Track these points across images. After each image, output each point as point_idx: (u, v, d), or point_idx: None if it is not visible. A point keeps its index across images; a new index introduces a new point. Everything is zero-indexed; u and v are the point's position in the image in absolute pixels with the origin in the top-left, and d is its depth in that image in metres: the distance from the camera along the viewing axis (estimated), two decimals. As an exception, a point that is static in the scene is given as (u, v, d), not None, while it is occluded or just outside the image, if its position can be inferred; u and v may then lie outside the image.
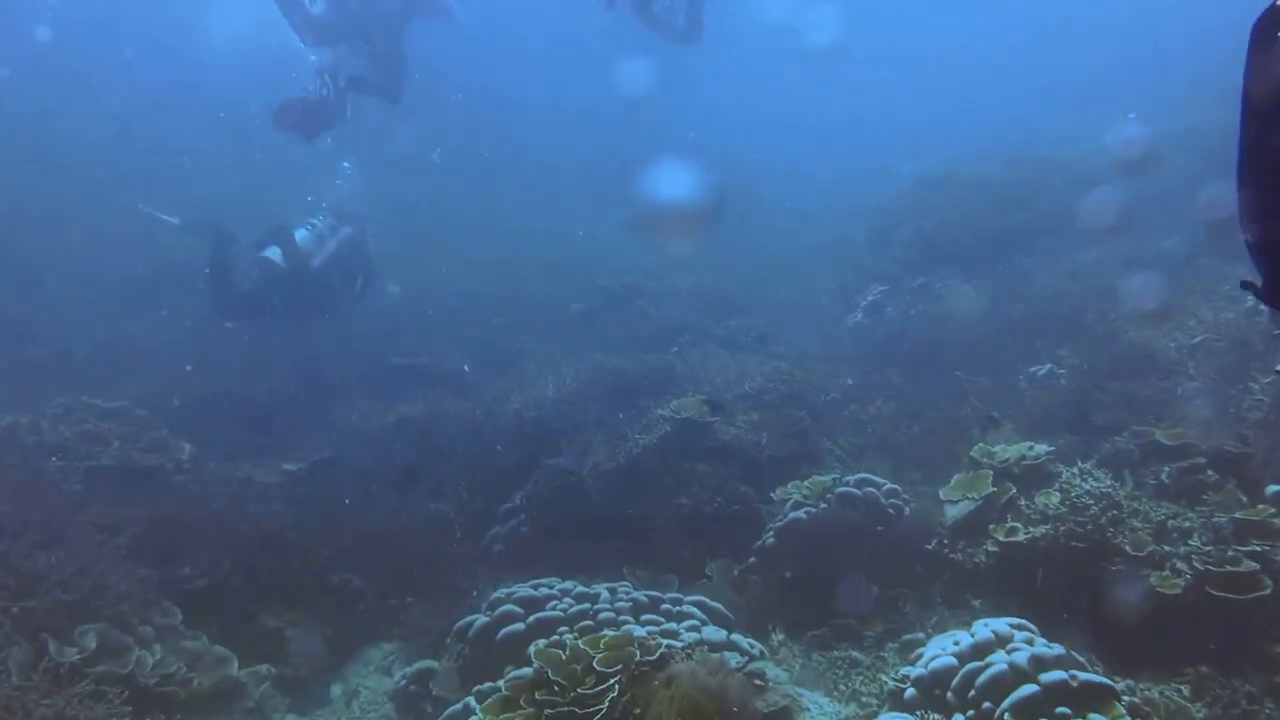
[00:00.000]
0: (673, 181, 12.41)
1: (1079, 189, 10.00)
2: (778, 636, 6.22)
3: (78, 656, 5.60)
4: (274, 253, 9.70)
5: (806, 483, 7.21)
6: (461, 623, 6.11)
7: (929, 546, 6.16)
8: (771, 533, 6.92)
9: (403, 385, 10.76)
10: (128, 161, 18.43)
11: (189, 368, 10.79)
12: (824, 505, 6.92)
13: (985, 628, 4.64)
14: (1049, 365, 8.40)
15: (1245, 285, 2.18)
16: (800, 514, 6.88)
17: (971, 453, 6.47)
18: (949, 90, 25.90)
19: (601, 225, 16.89)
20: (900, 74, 28.53)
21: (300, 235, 9.89)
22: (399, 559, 7.67)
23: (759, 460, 8.19)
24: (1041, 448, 6.34)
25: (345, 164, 11.81)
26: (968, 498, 6.01)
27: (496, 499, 8.37)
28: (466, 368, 11.46)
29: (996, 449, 6.32)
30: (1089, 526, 5.45)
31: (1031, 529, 5.59)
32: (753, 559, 6.97)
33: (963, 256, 10.63)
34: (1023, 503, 5.91)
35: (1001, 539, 5.67)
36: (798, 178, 18.49)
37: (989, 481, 6.07)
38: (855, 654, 5.81)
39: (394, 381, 10.88)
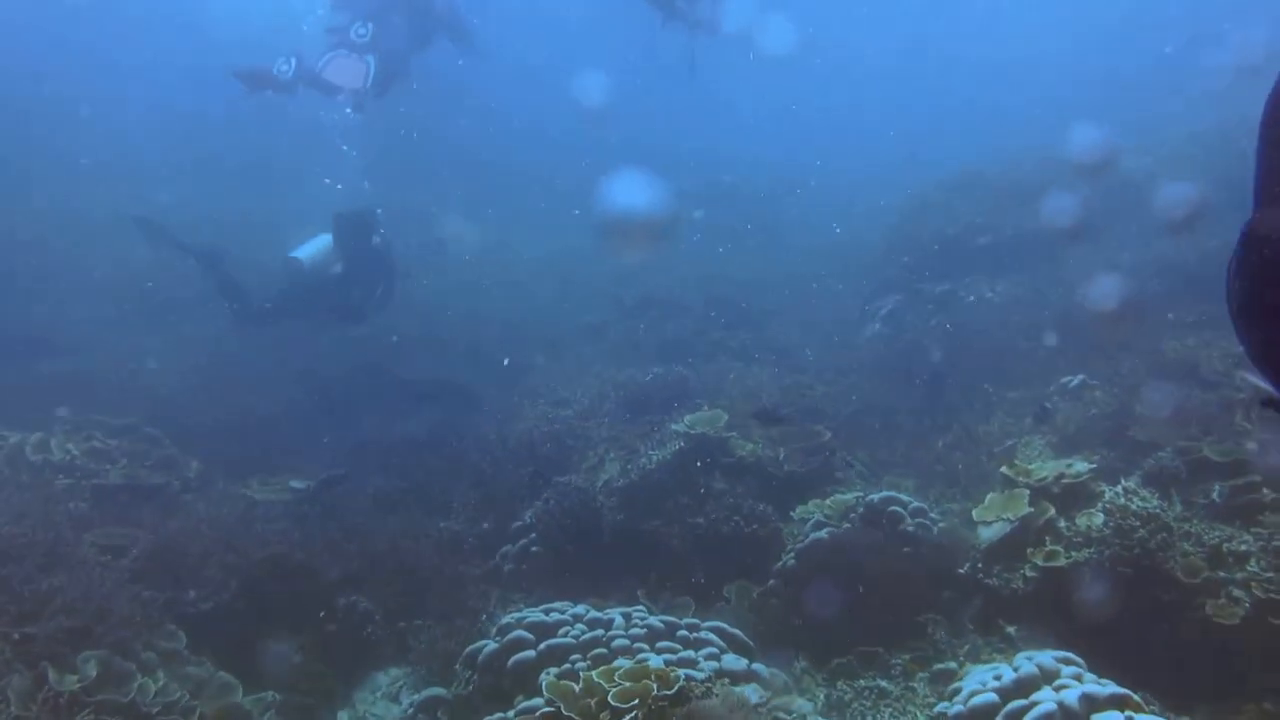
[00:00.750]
0: (637, 190, 12.33)
1: (1109, 193, 9.69)
2: (800, 664, 6.00)
3: (78, 685, 5.44)
4: (302, 253, 9.74)
5: (828, 501, 6.98)
6: (470, 649, 5.91)
7: (961, 570, 5.89)
8: (792, 554, 6.68)
9: (412, 400, 10.56)
10: (148, 172, 18.47)
11: (200, 384, 10.72)
12: (847, 525, 6.68)
13: (1029, 661, 4.38)
14: (1081, 376, 8.10)
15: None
16: (822, 534, 6.64)
17: (1005, 470, 6.19)
18: (976, 93, 25.48)
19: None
20: (925, 73, 28.12)
21: (324, 241, 9.89)
22: (408, 579, 7.48)
23: (777, 477, 7.95)
24: (1081, 465, 6.04)
25: (345, 146, 11.71)
26: (1003, 519, 5.74)
27: (507, 517, 8.17)
28: (506, 361, 11.41)
29: (1032, 466, 6.05)
30: (1136, 550, 5.16)
31: (1073, 553, 5.32)
32: (772, 581, 6.73)
33: (986, 263, 10.35)
34: (1063, 524, 5.63)
35: (1041, 563, 5.41)
36: (812, 184, 18.17)
37: (1025, 501, 5.79)
38: (883, 684, 5.57)
39: (404, 396, 10.68)
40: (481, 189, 18.80)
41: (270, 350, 11.66)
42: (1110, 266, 8.97)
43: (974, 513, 6.04)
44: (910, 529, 6.55)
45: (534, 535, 7.74)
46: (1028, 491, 5.87)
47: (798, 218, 16.39)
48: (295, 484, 8.68)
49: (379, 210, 10.37)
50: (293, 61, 9.96)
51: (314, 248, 9.80)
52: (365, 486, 8.72)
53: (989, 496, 6.08)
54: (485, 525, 8.16)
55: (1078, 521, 5.58)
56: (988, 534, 5.82)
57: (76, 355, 11.10)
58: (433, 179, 18.15)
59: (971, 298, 10.01)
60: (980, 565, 5.82)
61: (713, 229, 16.68)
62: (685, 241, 16.15)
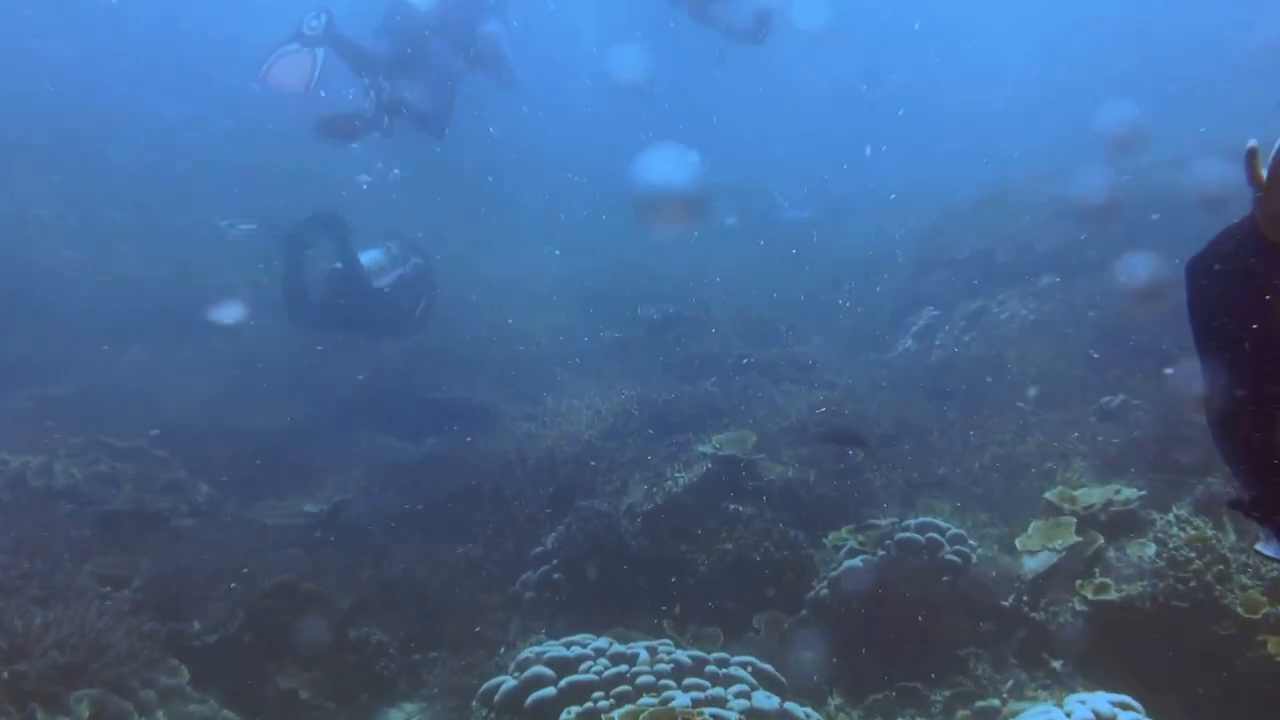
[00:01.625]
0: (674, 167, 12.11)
1: (1155, 205, 9.28)
2: (835, 701, 5.65)
3: (71, 727, 5.18)
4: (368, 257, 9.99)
5: (862, 527, 6.62)
6: (488, 685, 5.59)
7: (1005, 603, 5.53)
8: (825, 583, 6.34)
9: (431, 419, 10.31)
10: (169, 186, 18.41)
11: (214, 402, 10.51)
12: (882, 553, 6.33)
13: (1083, 706, 4.02)
14: (1122, 396, 7.71)
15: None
16: (856, 562, 6.30)
17: (1049, 496, 5.82)
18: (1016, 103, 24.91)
19: (635, 249, 16.44)
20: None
21: (374, 255, 10.07)
22: (423, 608, 7.20)
23: (807, 501, 7.61)
24: (1130, 491, 5.68)
25: (363, 177, 11.52)
26: (1049, 548, 5.38)
27: (527, 542, 7.87)
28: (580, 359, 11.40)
29: (1078, 492, 5.68)
30: (1192, 583, 4.80)
31: (1125, 585, 4.95)
32: (804, 612, 6.40)
33: (1020, 278, 9.97)
34: (1112, 555, 5.27)
35: (1091, 596, 5.04)
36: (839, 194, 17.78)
37: (1073, 530, 5.43)
38: (924, 724, 5.22)
39: (422, 415, 10.44)
40: (503, 205, 18.61)
41: (287, 368, 11.46)
42: (1152, 278, 8.56)
43: (1017, 541, 5.68)
44: (949, 557, 6.19)
45: (555, 561, 7.43)
46: (1075, 520, 5.50)
47: (829, 230, 16.03)
48: (308, 507, 8.44)
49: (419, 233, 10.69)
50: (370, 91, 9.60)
51: (365, 258, 9.96)
52: (381, 509, 8.45)
53: (1033, 524, 5.72)
54: (505, 550, 7.85)
55: (1129, 552, 5.22)
56: (1033, 564, 5.45)
57: (85, 375, 10.91)
58: (455, 197, 17.96)
59: (1005, 314, 9.64)
60: (1026, 597, 5.45)
61: (742, 238, 16.42)
62: (713, 252, 15.87)
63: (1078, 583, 5.22)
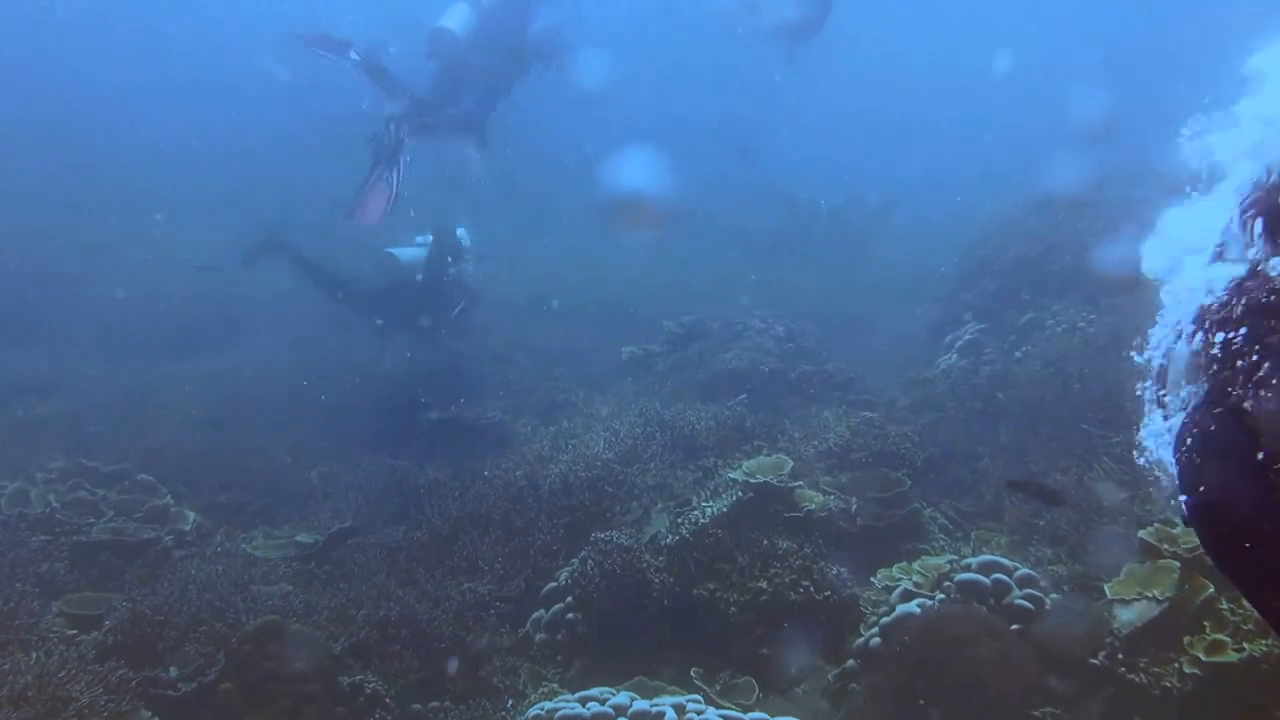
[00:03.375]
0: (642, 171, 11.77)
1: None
2: (892, 771, 4.88)
3: (19, 794, 4.51)
4: (402, 252, 10.62)
5: (916, 565, 5.88)
6: (493, 751, 4.89)
7: (1095, 660, 4.76)
8: (876, 630, 5.59)
9: (438, 440, 9.63)
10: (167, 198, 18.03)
11: (208, 422, 9.91)
12: (941, 596, 5.58)
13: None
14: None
15: None
16: (912, 607, 5.55)
17: (1143, 535, 5.03)
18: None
19: (658, 262, 15.81)
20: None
21: (409, 253, 10.65)
22: (425, 652, 6.49)
23: (850, 533, 6.87)
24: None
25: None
26: (1147, 596, 4.60)
27: (540, 577, 7.16)
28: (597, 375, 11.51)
29: (1177, 530, 4.89)
30: (1331, 643, 4.04)
31: (1246, 644, 4.18)
32: (852, 662, 5.64)
33: (1076, 288, 9.18)
34: (1225, 606, 4.48)
35: (1204, 657, 4.26)
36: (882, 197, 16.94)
37: (1176, 576, 4.65)
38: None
39: (428, 436, 9.76)
40: (522, 216, 18.01)
41: (287, 386, 10.86)
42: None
43: (1107, 588, 4.90)
44: (1019, 602, 5.44)
45: (570, 600, 6.71)
46: (1178, 563, 4.72)
47: (866, 236, 15.26)
48: (301, 538, 7.77)
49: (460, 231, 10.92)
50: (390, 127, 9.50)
51: (407, 253, 10.62)
52: (380, 539, 7.76)
53: (1126, 568, 4.93)
54: (514, 586, 7.14)
55: (1245, 603, 4.43)
56: (1128, 616, 4.67)
57: (73, 395, 10.32)
58: (474, 205, 17.43)
59: (1061, 327, 8.85)
60: (1121, 655, 4.66)
61: (776, 246, 15.74)
62: (740, 263, 15.23)
63: (1186, 639, 4.45)
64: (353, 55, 9.16)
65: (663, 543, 6.81)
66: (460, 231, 10.83)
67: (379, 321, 10.61)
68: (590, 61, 11.09)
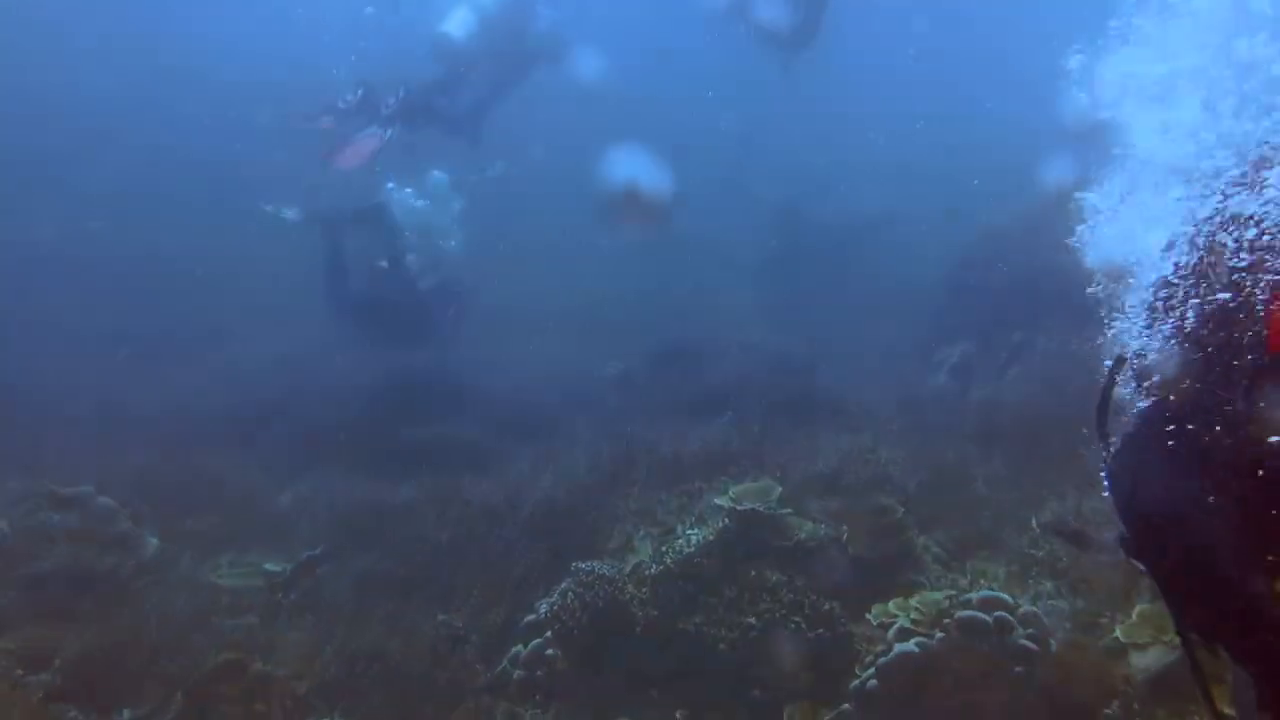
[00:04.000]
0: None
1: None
2: (891, 825, 4.61)
3: None
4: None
5: (914, 601, 5.62)
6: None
7: (1109, 711, 4.50)
8: (872, 671, 5.33)
9: (413, 457, 9.26)
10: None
11: (176, 441, 9.53)
12: (940, 634, 5.32)
13: None
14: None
15: None
16: (910, 646, 5.28)
17: (1153, 575, 4.80)
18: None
19: (645, 279, 15.54)
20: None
21: (412, 259, 10.33)
22: (396, 690, 6.17)
23: (842, 564, 6.60)
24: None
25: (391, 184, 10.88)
26: (1164, 641, 4.35)
27: (518, 608, 6.85)
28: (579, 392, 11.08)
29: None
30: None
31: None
32: (847, 706, 5.37)
33: (1069, 307, 8.97)
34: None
35: (1230, 712, 4.00)
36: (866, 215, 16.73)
37: (1194, 621, 4.41)
38: None
39: (404, 455, 9.40)
40: (503, 229, 17.72)
41: (255, 404, 10.51)
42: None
43: (1119, 631, 4.65)
44: (1023, 641, 5.18)
45: (549, 634, 6.41)
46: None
47: (854, 253, 15.02)
48: (269, 566, 7.42)
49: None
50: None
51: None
52: (351, 567, 7.43)
53: (1139, 609, 4.68)
54: (491, 619, 6.83)
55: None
56: (1144, 661, 4.42)
57: (41, 406, 9.94)
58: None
59: (1054, 346, 8.64)
60: (1137, 705, 4.41)
61: (765, 260, 15.51)
62: (723, 279, 14.99)
63: (1215, 689, 4.18)
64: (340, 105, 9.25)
65: (646, 573, 6.52)
66: (436, 174, 10.66)
67: (383, 264, 10.15)
68: (588, 60, 11.06)
